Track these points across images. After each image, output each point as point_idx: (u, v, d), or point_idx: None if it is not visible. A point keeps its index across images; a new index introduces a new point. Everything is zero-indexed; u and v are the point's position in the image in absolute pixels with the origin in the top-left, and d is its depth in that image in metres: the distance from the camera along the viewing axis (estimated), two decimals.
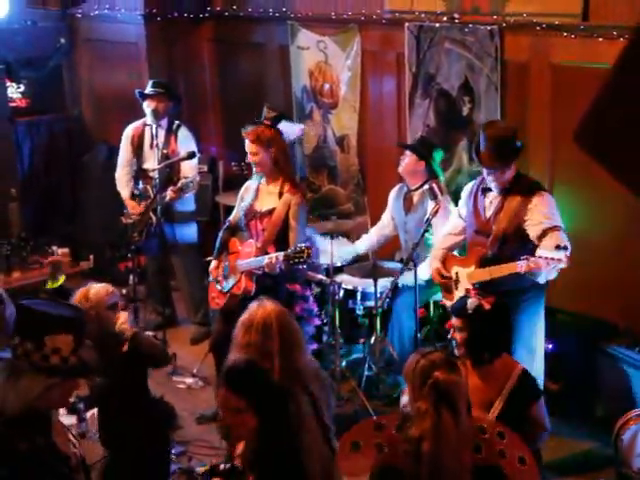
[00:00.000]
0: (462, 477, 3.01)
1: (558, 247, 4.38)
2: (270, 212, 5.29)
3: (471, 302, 4.07)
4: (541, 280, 4.73)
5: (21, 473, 2.76)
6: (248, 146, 5.31)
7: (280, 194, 5.29)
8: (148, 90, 6.59)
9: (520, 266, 4.49)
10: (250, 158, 5.33)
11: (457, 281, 4.99)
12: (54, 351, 2.80)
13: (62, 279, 4.53)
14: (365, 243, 6.20)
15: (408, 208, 5.83)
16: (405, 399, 3.40)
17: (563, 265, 4.39)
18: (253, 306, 3.84)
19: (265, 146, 5.25)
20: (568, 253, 4.39)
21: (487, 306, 4.05)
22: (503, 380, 4.00)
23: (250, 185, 5.50)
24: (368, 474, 3.07)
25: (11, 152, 8.07)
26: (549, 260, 4.38)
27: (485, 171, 4.83)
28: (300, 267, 5.08)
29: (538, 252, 4.51)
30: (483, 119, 5.88)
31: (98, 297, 4.29)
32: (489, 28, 5.76)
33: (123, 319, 4.29)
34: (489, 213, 4.87)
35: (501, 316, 4.14)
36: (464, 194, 5.12)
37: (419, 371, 3.08)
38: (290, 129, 6.28)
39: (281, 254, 5.02)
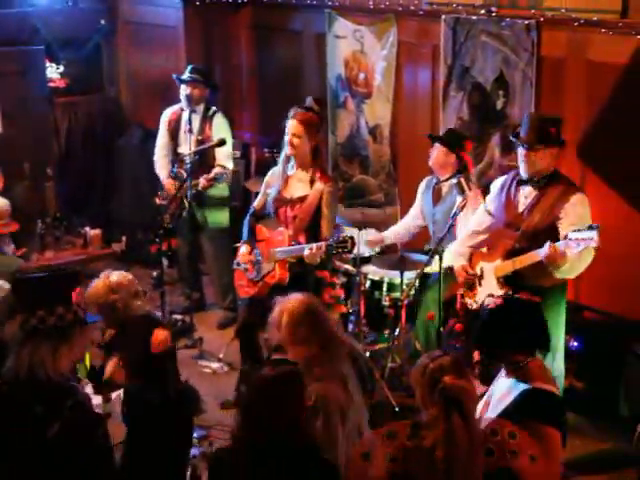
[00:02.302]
0: None
1: (590, 227, 4.32)
2: (301, 199, 5.27)
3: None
4: (563, 274, 4.63)
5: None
6: (293, 127, 5.18)
7: (311, 182, 5.28)
8: (185, 76, 6.61)
9: (545, 252, 4.46)
10: (290, 139, 5.19)
11: (481, 277, 4.95)
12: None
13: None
14: (394, 233, 6.13)
15: (436, 199, 5.78)
16: None
17: (594, 244, 4.29)
18: (282, 303, 3.89)
19: (309, 132, 5.20)
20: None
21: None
22: None
23: (276, 171, 5.46)
24: None
25: (48, 132, 8.15)
26: (579, 241, 4.31)
27: (520, 152, 4.72)
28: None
29: (568, 235, 4.41)
30: (517, 114, 5.86)
31: (123, 287, 4.33)
32: (526, 22, 5.71)
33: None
34: (522, 207, 4.81)
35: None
36: (494, 189, 5.04)
37: (428, 376, 3.01)
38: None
39: (323, 244, 4.98)
